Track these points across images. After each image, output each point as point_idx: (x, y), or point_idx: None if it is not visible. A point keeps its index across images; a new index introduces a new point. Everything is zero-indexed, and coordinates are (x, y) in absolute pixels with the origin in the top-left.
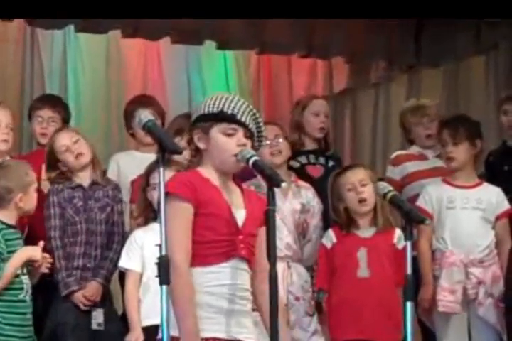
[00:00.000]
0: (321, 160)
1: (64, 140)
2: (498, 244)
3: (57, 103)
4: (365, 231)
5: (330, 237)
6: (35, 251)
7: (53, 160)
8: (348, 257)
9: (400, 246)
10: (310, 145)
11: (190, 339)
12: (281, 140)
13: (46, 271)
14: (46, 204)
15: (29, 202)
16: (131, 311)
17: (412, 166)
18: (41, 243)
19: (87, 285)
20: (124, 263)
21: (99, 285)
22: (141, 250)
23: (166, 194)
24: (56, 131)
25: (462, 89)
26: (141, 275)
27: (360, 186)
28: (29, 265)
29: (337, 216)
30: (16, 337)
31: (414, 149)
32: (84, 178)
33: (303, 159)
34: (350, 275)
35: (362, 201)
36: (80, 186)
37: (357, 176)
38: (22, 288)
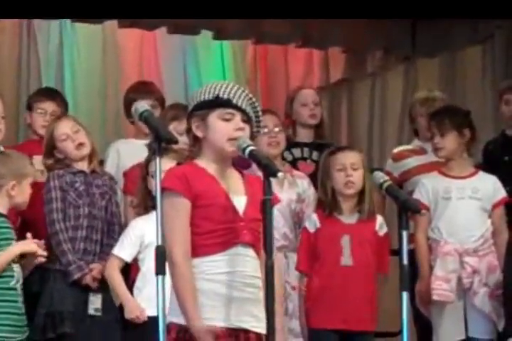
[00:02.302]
0: (315, 155)
1: (65, 128)
2: (495, 233)
3: (60, 98)
4: (349, 217)
5: (313, 222)
6: (27, 245)
7: (51, 147)
8: (331, 243)
9: (381, 233)
10: (305, 137)
11: (194, 322)
12: (277, 129)
13: (43, 260)
14: (46, 189)
15: (21, 194)
16: (118, 286)
17: (411, 162)
18: (28, 234)
19: (91, 267)
20: (115, 250)
21: (103, 268)
22: (138, 239)
23: (161, 189)
24: (56, 119)
25: (459, 79)
26: (124, 264)
27: (350, 169)
28: (22, 258)
29: (323, 194)
30: (8, 326)
31: (415, 143)
32: (82, 167)
33: (297, 152)
34: (333, 262)
35: (348, 183)
36: (81, 172)
37: (350, 159)
38: (13, 276)
